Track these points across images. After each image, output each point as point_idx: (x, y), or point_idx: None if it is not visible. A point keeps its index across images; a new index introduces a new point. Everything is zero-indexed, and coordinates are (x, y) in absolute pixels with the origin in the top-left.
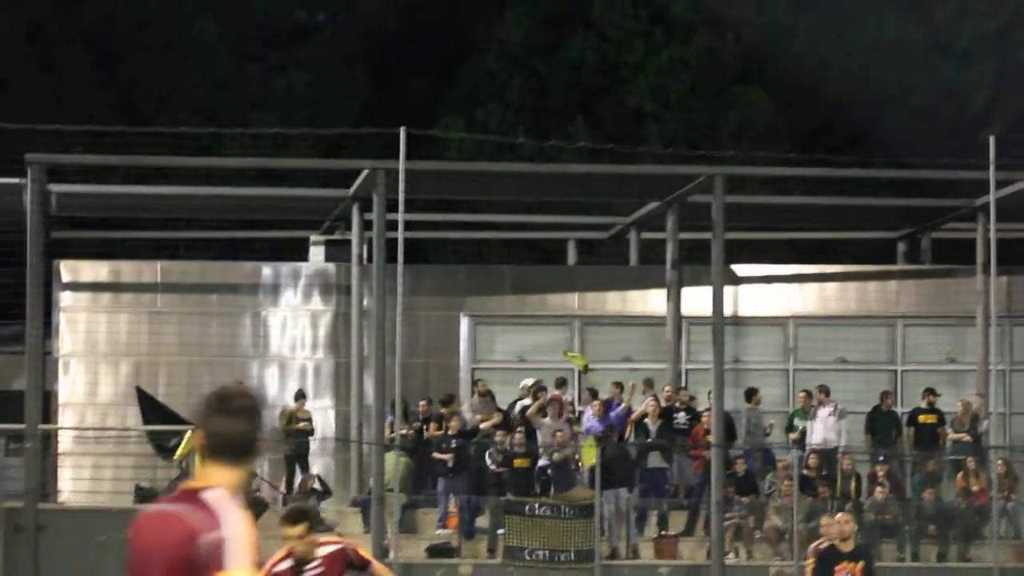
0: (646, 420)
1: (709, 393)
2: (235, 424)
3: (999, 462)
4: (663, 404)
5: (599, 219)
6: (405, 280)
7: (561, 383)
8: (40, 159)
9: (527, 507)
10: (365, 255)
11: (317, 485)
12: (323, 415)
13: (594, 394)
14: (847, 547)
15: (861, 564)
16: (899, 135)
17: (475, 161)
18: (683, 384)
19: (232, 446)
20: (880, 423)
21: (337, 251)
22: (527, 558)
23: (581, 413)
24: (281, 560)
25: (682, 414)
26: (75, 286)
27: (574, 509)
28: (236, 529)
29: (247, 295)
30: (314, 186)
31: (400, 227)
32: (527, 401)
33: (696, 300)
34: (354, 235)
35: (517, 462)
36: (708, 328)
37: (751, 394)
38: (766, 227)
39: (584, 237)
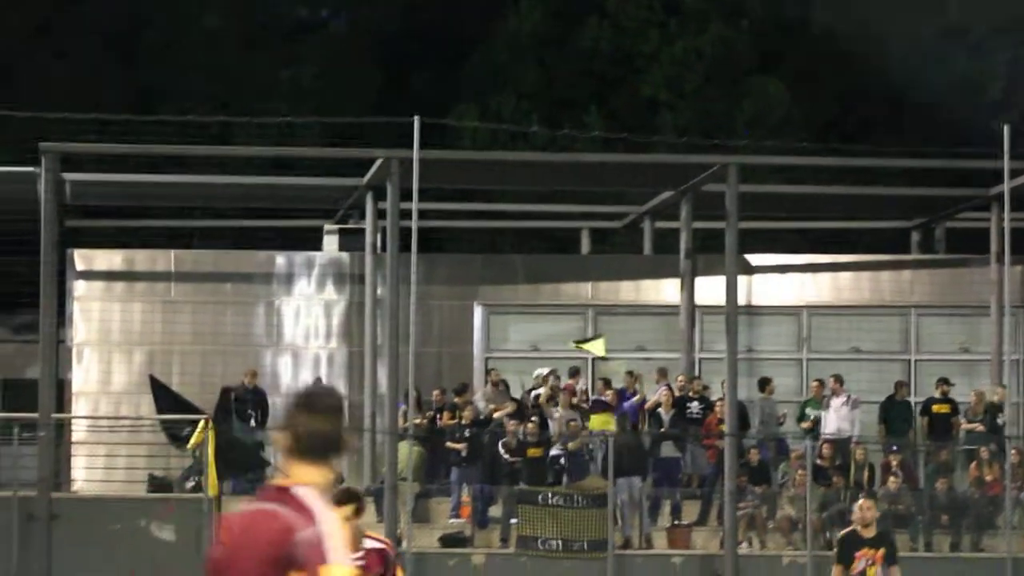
0: (659, 410)
1: (723, 382)
2: (321, 423)
3: (1012, 451)
4: (676, 393)
5: (613, 208)
6: (419, 269)
7: (574, 372)
8: (54, 148)
9: (540, 496)
10: (379, 244)
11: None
12: None
13: (607, 383)
14: (868, 533)
15: (882, 551)
16: (914, 124)
17: (489, 150)
18: (696, 373)
19: (319, 445)
20: (894, 413)
21: (351, 240)
22: (540, 547)
23: (594, 402)
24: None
25: (695, 403)
26: (89, 275)
27: (587, 498)
28: (330, 525)
29: (261, 284)
30: (328, 175)
31: (414, 216)
32: (542, 390)
33: (710, 289)
34: (368, 224)
35: (530, 451)
36: (722, 317)
37: (764, 383)
38: (780, 216)
39: (598, 226)
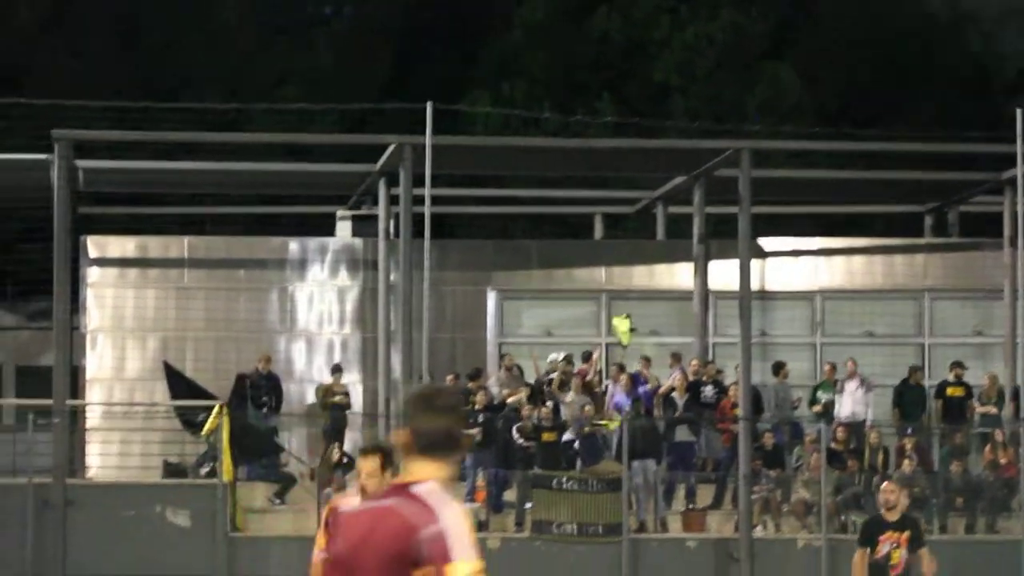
0: (673, 394)
1: (736, 367)
2: (441, 421)
3: None
4: (690, 378)
5: (625, 193)
6: (432, 255)
7: (587, 357)
8: (67, 135)
9: (555, 481)
10: (392, 230)
11: (339, 455)
12: (350, 390)
13: (621, 368)
14: (892, 516)
15: (907, 534)
16: (926, 109)
17: (501, 136)
18: (710, 358)
19: (440, 442)
20: (908, 397)
21: (364, 226)
22: (555, 532)
23: (607, 387)
24: (348, 499)
25: (709, 388)
26: (102, 262)
27: (602, 483)
28: (455, 521)
29: (274, 270)
30: (340, 161)
31: (427, 202)
32: (555, 375)
33: (723, 274)
34: (381, 210)
35: (545, 436)
36: (735, 302)
37: (779, 368)
38: (793, 201)
39: (611, 212)
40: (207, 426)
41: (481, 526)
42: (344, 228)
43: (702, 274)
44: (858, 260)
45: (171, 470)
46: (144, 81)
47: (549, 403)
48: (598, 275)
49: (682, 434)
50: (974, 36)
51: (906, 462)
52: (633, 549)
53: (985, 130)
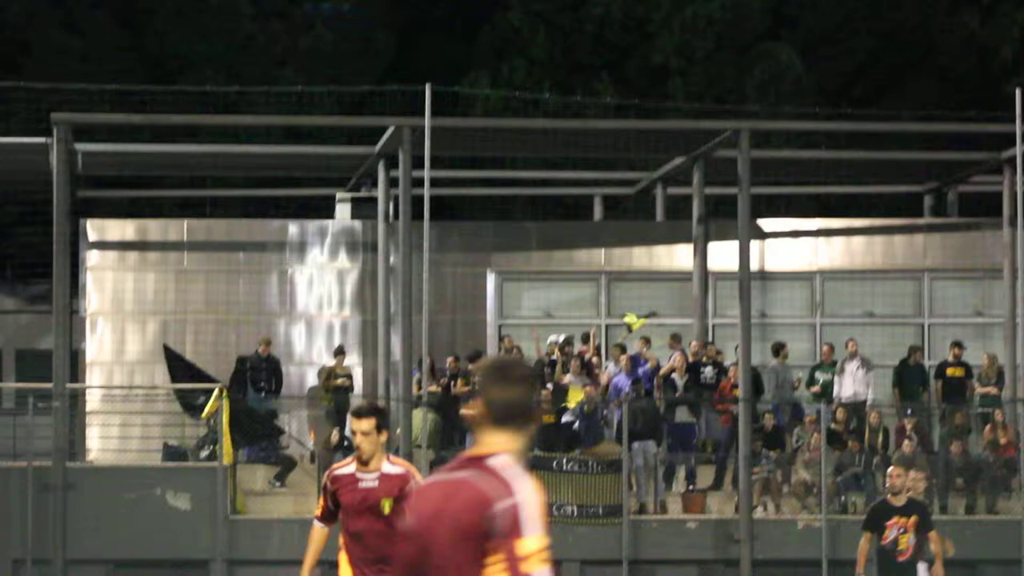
0: (673, 375)
1: (736, 348)
2: (515, 392)
3: None
4: (690, 359)
5: (625, 175)
6: (431, 237)
7: (586, 339)
8: (66, 118)
9: (555, 462)
10: (391, 212)
11: (339, 437)
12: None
13: (622, 349)
14: (898, 501)
15: (914, 518)
16: (926, 88)
17: (500, 117)
18: (710, 339)
19: (514, 414)
20: (908, 377)
21: (363, 208)
22: (555, 513)
23: (607, 367)
24: (346, 464)
25: (709, 369)
26: (102, 245)
27: (602, 464)
28: (528, 495)
29: (274, 253)
30: (339, 143)
31: (426, 184)
32: (555, 357)
33: (722, 255)
34: (380, 192)
35: (544, 418)
36: (735, 283)
37: (779, 349)
38: (792, 181)
39: (610, 193)
40: (207, 409)
41: None
42: (344, 210)
43: (702, 255)
44: (857, 240)
45: (171, 453)
46: (143, 64)
47: (549, 384)
48: (598, 256)
49: (682, 415)
50: (974, 14)
51: (906, 442)
52: (633, 530)
53: (985, 109)
